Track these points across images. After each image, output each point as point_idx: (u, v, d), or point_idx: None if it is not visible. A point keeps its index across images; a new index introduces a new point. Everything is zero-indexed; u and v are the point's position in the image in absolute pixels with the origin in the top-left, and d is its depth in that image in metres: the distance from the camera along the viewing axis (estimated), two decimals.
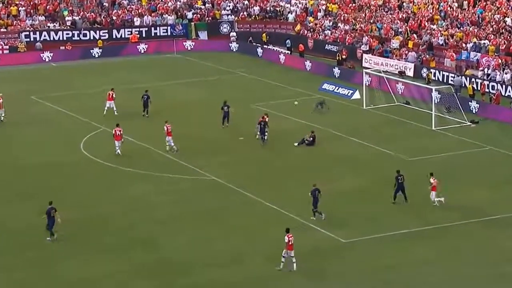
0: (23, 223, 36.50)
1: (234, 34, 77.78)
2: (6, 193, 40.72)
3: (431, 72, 61.43)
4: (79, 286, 31.12)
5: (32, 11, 77.90)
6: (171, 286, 31.00)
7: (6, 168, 44.53)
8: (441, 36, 65.72)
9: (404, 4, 73.01)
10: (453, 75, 60.12)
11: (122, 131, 45.76)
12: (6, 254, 33.68)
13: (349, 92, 58.93)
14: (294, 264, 31.36)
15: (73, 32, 75.67)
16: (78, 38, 75.57)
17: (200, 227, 35.98)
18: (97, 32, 76.14)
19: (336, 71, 64.90)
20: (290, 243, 31.24)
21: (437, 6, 70.38)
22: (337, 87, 60.15)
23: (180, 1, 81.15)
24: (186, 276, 31.50)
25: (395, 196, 37.98)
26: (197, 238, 34.77)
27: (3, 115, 52.94)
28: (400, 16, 71.01)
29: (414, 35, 67.32)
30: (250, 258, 32.76)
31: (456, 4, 69.64)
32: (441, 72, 61.50)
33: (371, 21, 72.05)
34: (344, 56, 67.51)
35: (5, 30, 74.66)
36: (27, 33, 74.56)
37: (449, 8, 69.55)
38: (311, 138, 47.00)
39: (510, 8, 66.71)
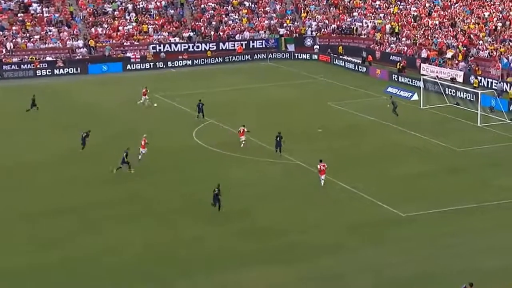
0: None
1: (317, 47, 77.25)
2: None
3: (477, 79, 59.68)
4: (192, 241, 31.08)
5: None
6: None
7: None
8: (486, 50, 63.80)
9: (456, 23, 71.08)
10: (496, 81, 58.31)
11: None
12: None
13: (409, 95, 57.82)
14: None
15: (189, 44, 76.37)
16: (193, 50, 76.20)
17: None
18: (207, 44, 76.65)
19: (397, 77, 63.97)
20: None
21: (483, 25, 68.35)
22: (399, 90, 59.12)
23: (273, 20, 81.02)
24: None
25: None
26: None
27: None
28: (453, 33, 69.19)
29: (464, 48, 65.60)
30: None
31: (500, 24, 67.49)
32: (486, 79, 59.73)
33: (428, 37, 70.44)
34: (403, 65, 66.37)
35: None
36: None
37: (494, 27, 67.43)
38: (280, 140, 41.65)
39: None
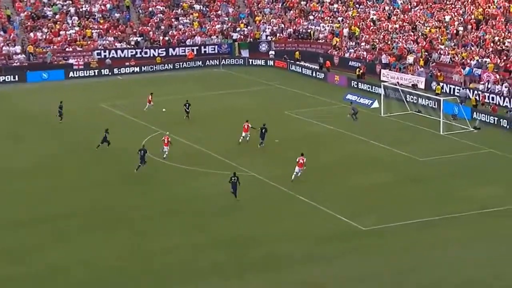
0: None
1: (273, 52, 77.68)
2: None
3: (440, 85, 60.76)
4: (166, 253, 31.24)
5: None
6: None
7: None
8: (448, 55, 65.05)
9: (417, 27, 72.34)
10: (459, 87, 59.45)
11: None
12: None
13: (369, 102, 58.50)
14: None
15: (136, 50, 76.10)
16: (141, 56, 75.97)
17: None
18: (156, 50, 76.47)
19: (356, 83, 64.72)
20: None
21: (445, 29, 69.68)
22: (359, 97, 59.75)
23: (226, 24, 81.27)
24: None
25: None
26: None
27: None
28: (414, 38, 70.38)
29: (426, 53, 66.75)
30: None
31: (461, 28, 68.91)
32: (448, 85, 60.87)
33: (388, 42, 71.51)
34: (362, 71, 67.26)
35: None
36: None
37: (455, 31, 68.80)
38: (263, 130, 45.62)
39: (507, 31, 65.79)
